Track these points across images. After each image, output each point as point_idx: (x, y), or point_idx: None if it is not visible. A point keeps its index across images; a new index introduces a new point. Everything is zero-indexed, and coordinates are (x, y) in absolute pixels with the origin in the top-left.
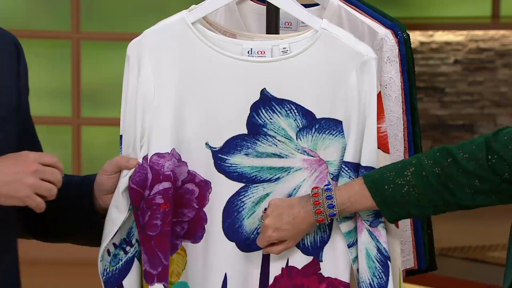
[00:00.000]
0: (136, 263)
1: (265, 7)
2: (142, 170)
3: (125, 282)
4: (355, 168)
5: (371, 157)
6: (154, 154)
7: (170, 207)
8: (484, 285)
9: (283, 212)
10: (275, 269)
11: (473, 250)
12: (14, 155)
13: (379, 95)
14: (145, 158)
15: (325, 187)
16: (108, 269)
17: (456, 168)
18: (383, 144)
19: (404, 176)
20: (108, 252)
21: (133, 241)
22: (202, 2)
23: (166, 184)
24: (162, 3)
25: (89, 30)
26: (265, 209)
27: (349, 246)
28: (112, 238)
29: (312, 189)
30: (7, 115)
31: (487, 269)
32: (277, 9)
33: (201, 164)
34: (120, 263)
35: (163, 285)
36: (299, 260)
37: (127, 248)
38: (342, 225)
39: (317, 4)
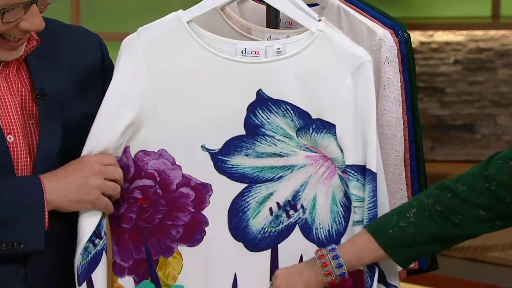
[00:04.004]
0: (104, 256)
1: (265, 7)
2: (124, 163)
3: (93, 275)
4: (362, 170)
5: (378, 162)
6: (140, 150)
7: (149, 205)
8: (484, 285)
9: (295, 280)
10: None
11: (473, 250)
12: (76, 161)
13: None
14: (127, 151)
15: (330, 247)
16: (82, 263)
17: (457, 202)
18: None
19: (406, 218)
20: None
21: (102, 234)
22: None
23: (147, 182)
24: (162, 3)
25: None
26: (270, 281)
27: None
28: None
29: (316, 251)
30: (90, 116)
31: (487, 269)
32: (277, 9)
33: (197, 167)
34: (90, 256)
35: (133, 278)
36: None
37: (96, 241)
38: (356, 228)
39: (316, 4)
